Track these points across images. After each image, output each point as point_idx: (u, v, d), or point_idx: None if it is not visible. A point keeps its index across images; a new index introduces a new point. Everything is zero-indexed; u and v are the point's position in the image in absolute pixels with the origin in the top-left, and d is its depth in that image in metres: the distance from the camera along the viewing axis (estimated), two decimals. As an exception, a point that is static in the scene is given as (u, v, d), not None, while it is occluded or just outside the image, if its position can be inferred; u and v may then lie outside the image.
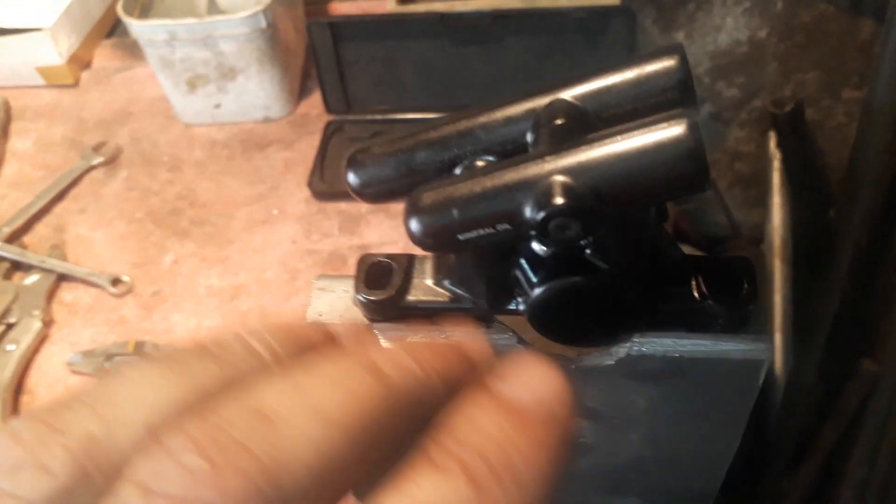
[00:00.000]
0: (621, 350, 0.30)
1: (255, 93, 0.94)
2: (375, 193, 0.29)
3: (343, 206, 0.88)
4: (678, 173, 0.23)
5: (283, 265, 0.84)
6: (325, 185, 0.89)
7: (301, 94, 1.00)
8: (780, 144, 1.17)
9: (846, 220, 0.94)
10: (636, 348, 0.29)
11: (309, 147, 0.94)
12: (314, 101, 0.99)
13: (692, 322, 0.29)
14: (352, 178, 0.29)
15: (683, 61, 0.25)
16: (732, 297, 0.28)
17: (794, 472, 0.97)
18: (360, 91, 0.92)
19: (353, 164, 0.29)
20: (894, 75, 0.82)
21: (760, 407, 1.09)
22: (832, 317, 0.96)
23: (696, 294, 0.29)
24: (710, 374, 0.30)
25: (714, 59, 1.17)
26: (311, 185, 0.89)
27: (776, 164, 1.18)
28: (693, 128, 0.23)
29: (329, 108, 0.95)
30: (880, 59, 0.84)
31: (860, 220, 0.92)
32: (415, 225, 0.26)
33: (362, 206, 0.89)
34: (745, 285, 0.28)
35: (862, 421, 0.91)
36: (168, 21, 0.87)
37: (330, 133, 0.94)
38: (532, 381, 0.20)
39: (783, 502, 1.00)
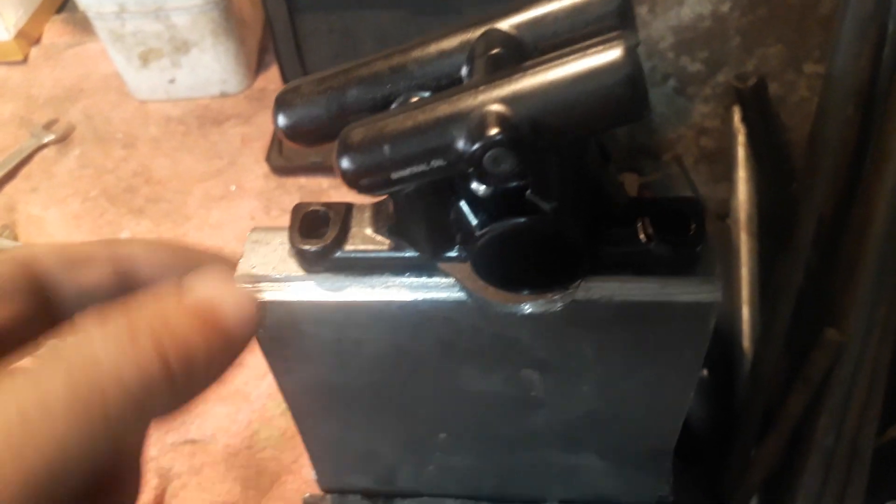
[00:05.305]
0: (567, 296, 0.29)
1: (211, 66, 0.92)
2: (307, 135, 0.28)
3: (303, 180, 0.86)
4: (615, 99, 0.22)
5: (241, 242, 0.82)
6: (283, 160, 0.87)
7: (258, 67, 0.98)
8: (744, 119, 1.17)
9: (809, 192, 0.95)
10: (582, 294, 0.28)
11: (267, 122, 0.92)
12: (272, 75, 0.97)
13: (638, 265, 0.28)
14: (281, 119, 0.27)
15: (623, -14, 0.24)
16: (679, 239, 0.27)
17: (761, 441, 0.98)
18: (318, 63, 0.89)
19: (281, 104, 0.27)
20: (852, 48, 0.82)
21: (728, 378, 1.10)
22: (797, 288, 0.96)
23: (641, 236, 0.28)
24: (659, 319, 0.29)
25: (677, 34, 1.16)
26: (269, 160, 0.87)
27: (741, 139, 1.19)
28: (630, 51, 0.22)
29: (286, 81, 0.92)
30: (838, 32, 0.84)
31: (822, 192, 0.92)
32: (346, 163, 0.25)
33: (323, 181, 0.87)
34: (693, 226, 0.27)
35: (828, 390, 0.92)
36: (117, -8, 0.84)
37: (289, 108, 0.92)
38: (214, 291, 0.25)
39: (751, 472, 1.01)
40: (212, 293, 0.24)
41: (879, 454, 0.96)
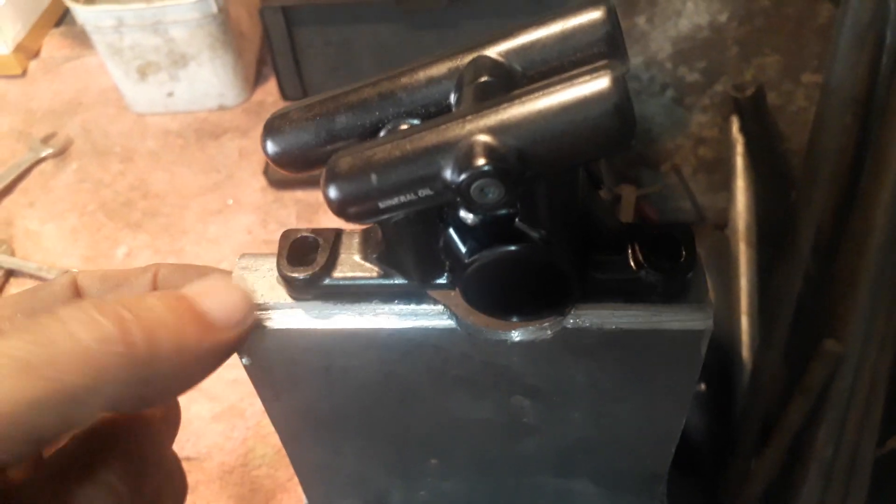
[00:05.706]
0: (557, 324, 0.28)
1: (209, 80, 0.92)
2: (295, 162, 0.27)
3: (300, 194, 0.86)
4: (603, 129, 0.22)
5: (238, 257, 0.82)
6: (281, 174, 0.87)
7: (256, 80, 0.98)
8: (742, 129, 1.17)
9: (807, 202, 0.94)
10: (572, 321, 0.28)
11: (265, 135, 0.92)
12: (270, 88, 0.97)
13: (629, 292, 0.28)
14: (269, 146, 0.27)
15: (611, 13, 0.24)
16: (670, 266, 0.27)
17: (760, 453, 0.97)
18: (316, 76, 0.90)
19: (269, 130, 0.27)
20: (850, 57, 0.82)
21: (727, 389, 1.09)
22: (796, 298, 0.96)
23: (632, 263, 0.27)
24: (650, 347, 0.28)
25: (676, 45, 1.16)
26: (266, 173, 0.87)
27: (739, 149, 1.18)
28: (618, 81, 0.22)
29: (284, 94, 0.93)
30: (836, 42, 0.83)
31: (820, 202, 0.92)
32: (333, 192, 0.25)
33: (320, 195, 0.87)
34: (684, 253, 0.27)
35: (827, 401, 0.91)
36: (115, 6, 0.85)
37: (286, 121, 0.92)
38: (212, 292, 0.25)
39: (751, 483, 1.00)
40: (198, 288, 0.25)
41: (879, 465, 0.95)
